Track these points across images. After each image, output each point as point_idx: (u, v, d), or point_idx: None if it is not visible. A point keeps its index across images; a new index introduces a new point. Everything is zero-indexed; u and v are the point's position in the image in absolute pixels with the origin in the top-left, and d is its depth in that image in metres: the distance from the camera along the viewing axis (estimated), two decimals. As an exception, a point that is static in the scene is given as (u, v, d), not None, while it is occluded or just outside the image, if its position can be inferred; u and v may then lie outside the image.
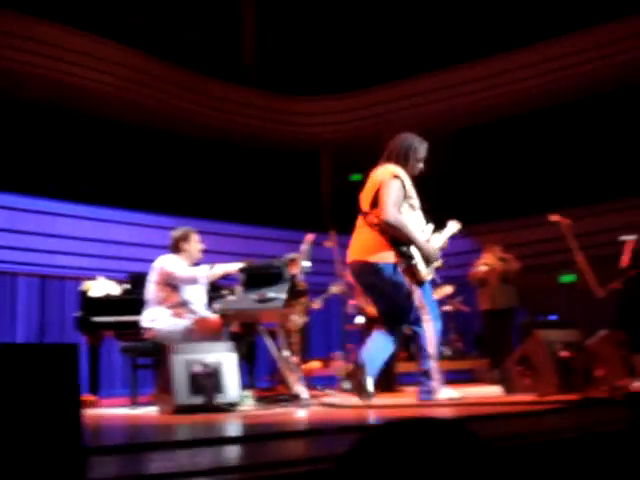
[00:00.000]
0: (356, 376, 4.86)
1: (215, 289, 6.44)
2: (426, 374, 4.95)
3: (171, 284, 5.78)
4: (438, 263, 5.07)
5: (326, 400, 5.45)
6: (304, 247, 5.64)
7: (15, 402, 1.78)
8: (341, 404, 5.06)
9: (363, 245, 4.96)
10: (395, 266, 4.84)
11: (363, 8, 13.29)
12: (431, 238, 5.07)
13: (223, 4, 13.06)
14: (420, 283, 4.89)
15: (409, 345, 7.33)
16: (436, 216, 5.28)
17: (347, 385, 6.19)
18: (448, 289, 8.29)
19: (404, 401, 5.45)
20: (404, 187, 4.92)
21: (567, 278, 11.63)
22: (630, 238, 7.55)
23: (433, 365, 4.95)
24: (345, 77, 13.14)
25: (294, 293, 5.48)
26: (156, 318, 5.74)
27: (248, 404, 5.21)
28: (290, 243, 9.17)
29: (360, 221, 5.07)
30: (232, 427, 3.89)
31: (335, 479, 0.84)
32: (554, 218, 7.09)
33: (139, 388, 5.96)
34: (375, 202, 4.92)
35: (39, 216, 10.00)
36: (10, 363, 1.82)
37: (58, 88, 10.45)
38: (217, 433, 3.60)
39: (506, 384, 5.54)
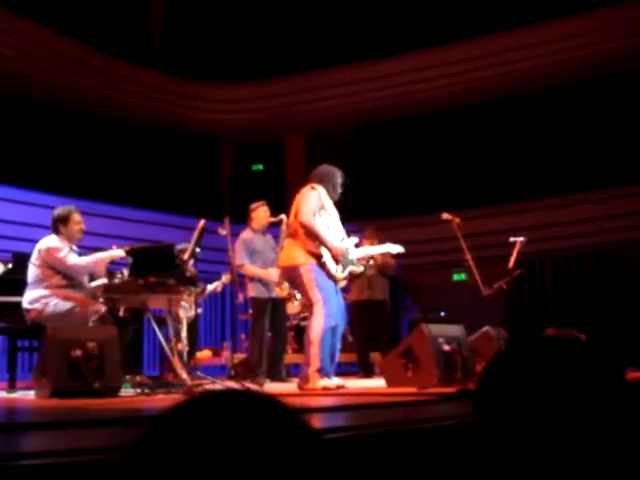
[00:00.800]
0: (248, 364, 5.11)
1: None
2: (307, 362, 5.18)
3: (53, 266, 5.60)
4: (354, 267, 5.63)
5: (209, 388, 5.41)
6: (195, 234, 5.59)
7: None
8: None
9: (283, 253, 5.67)
10: (301, 266, 5.35)
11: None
12: (350, 247, 5.63)
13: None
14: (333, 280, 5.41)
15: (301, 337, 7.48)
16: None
17: (233, 373, 6.18)
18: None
19: (284, 389, 5.53)
20: (320, 199, 5.48)
21: (459, 276, 11.95)
22: (518, 240, 7.79)
23: (313, 353, 5.14)
24: (251, 66, 13.06)
25: (183, 279, 5.40)
26: (37, 300, 5.55)
27: (129, 390, 5.12)
28: (189, 230, 9.05)
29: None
30: (60, 412, 3.76)
31: (126, 468, 0.80)
32: (445, 216, 7.25)
33: (25, 373, 5.77)
34: (295, 213, 5.50)
35: None
36: None
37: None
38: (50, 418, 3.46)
39: (388, 376, 5.64)
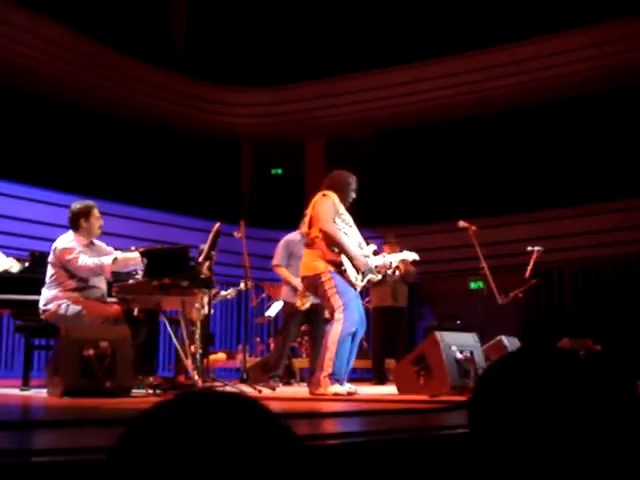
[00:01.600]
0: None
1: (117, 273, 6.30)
2: (320, 366, 5.18)
3: (66, 267, 5.61)
4: (373, 276, 5.61)
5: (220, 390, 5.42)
6: (210, 236, 5.60)
7: None
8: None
9: (303, 264, 5.58)
10: (322, 274, 5.35)
11: (297, 4, 13.29)
12: (370, 255, 5.63)
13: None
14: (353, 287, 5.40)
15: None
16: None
17: (246, 376, 6.19)
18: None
19: (295, 394, 5.53)
20: (335, 205, 5.46)
21: (476, 284, 11.88)
22: (535, 249, 7.76)
23: (327, 358, 5.15)
24: (272, 71, 13.11)
25: (197, 281, 5.41)
26: (51, 301, 5.57)
27: (141, 390, 5.14)
28: (207, 233, 9.09)
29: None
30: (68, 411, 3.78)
31: (105, 469, 0.80)
32: (462, 224, 7.24)
33: (41, 371, 5.80)
34: (311, 222, 5.50)
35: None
36: None
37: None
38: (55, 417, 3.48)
39: (400, 383, 5.63)
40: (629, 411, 1.30)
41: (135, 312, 5.75)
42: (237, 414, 0.81)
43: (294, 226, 7.29)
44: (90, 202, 5.95)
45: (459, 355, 5.47)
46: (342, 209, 5.56)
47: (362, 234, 5.73)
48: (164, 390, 5.23)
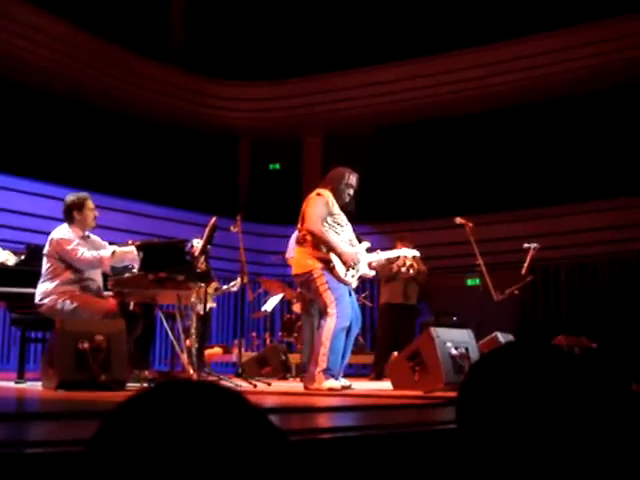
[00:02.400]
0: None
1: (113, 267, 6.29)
2: (314, 361, 5.20)
3: (63, 258, 5.60)
4: (366, 272, 5.63)
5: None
6: (206, 231, 5.61)
7: None
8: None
9: (294, 262, 5.67)
10: (313, 271, 5.39)
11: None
12: (362, 252, 5.65)
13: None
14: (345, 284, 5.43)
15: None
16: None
17: (241, 371, 6.20)
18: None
19: (289, 388, 5.54)
20: (328, 205, 5.47)
21: (473, 281, 11.88)
22: (532, 246, 7.77)
23: (322, 353, 5.17)
24: (270, 66, 13.08)
25: (193, 276, 5.42)
26: (48, 295, 5.54)
27: (136, 384, 5.14)
28: (205, 227, 9.10)
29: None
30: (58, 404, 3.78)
31: (80, 463, 0.79)
32: (459, 220, 7.25)
33: (37, 364, 5.80)
34: (303, 219, 5.53)
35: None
36: None
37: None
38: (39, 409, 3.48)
39: (395, 379, 5.64)
40: (621, 408, 1.30)
41: (131, 306, 5.75)
42: (216, 404, 0.81)
43: (291, 221, 7.30)
44: (83, 194, 5.91)
45: (454, 351, 5.48)
46: (336, 208, 5.56)
47: (360, 230, 5.76)
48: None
